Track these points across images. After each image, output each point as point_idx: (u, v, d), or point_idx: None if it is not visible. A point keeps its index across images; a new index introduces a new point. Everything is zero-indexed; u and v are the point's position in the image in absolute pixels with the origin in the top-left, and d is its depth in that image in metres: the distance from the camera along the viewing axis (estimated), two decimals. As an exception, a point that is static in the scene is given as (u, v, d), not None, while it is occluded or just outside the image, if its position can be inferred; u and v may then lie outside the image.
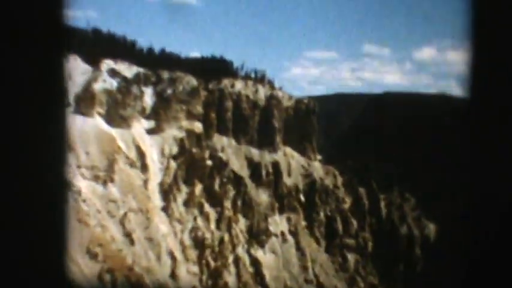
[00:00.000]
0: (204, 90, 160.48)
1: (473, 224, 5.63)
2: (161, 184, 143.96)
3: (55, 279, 5.88)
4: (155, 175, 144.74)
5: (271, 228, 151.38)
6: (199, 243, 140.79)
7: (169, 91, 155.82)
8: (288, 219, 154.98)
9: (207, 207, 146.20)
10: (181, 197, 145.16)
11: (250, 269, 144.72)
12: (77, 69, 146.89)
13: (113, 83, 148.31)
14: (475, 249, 5.58)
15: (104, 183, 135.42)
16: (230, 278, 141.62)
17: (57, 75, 5.69)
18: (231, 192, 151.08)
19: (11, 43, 5.49)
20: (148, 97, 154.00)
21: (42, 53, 5.60)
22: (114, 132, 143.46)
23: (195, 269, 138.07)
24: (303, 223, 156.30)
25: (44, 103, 5.63)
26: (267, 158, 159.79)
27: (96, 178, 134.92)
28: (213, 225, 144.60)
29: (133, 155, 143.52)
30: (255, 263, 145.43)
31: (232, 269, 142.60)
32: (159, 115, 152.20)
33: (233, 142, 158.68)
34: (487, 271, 5.53)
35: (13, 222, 5.57)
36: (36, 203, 5.65)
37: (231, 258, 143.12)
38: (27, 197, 5.59)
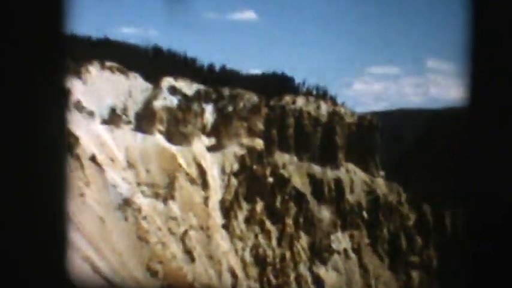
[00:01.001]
0: (265, 107, 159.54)
1: (475, 226, 5.63)
2: (222, 201, 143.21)
3: (55, 280, 5.83)
4: (216, 192, 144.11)
5: (334, 245, 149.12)
6: (260, 261, 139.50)
7: (230, 108, 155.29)
8: (351, 236, 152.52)
9: (268, 225, 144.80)
10: (242, 214, 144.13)
11: (312, 287, 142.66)
12: (137, 87, 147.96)
13: (173, 101, 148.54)
14: (478, 252, 5.57)
15: (165, 200, 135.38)
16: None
17: (56, 78, 5.71)
18: (293, 209, 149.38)
19: (11, 44, 5.49)
20: (209, 114, 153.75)
21: (42, 55, 5.59)
22: (175, 149, 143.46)
23: (256, 286, 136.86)
24: (366, 240, 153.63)
25: (44, 104, 5.64)
26: (329, 174, 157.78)
27: (156, 195, 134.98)
28: (274, 243, 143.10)
29: (194, 172, 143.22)
30: (317, 280, 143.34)
31: (294, 286, 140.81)
32: (219, 132, 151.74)
33: (295, 159, 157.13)
34: (490, 273, 5.50)
35: (12, 223, 5.56)
36: (36, 204, 5.62)
37: (292, 276, 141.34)
38: (27, 198, 5.56)
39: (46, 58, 5.60)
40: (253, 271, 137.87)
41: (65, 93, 5.88)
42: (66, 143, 5.91)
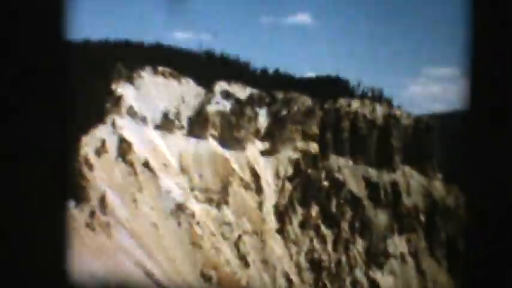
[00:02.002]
0: (319, 110, 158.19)
1: (476, 224, 5.61)
2: (276, 206, 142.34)
3: (55, 280, 5.88)
4: (270, 197, 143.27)
5: (390, 249, 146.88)
6: (315, 265, 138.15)
7: (284, 112, 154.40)
8: (408, 240, 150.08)
9: (323, 229, 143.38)
10: (296, 219, 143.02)
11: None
12: (190, 92, 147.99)
13: (226, 105, 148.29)
14: (479, 251, 5.55)
15: (218, 205, 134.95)
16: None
17: (59, 81, 5.71)
18: (348, 213, 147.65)
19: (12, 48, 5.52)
20: (263, 118, 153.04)
21: (43, 62, 5.61)
22: (228, 154, 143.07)
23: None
24: (424, 244, 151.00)
25: (45, 106, 5.66)
26: (386, 177, 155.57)
27: (210, 201, 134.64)
28: (329, 247, 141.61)
29: (247, 176, 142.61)
30: (374, 285, 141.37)
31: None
32: (273, 136, 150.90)
33: (350, 162, 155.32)
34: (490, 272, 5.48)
35: (12, 223, 5.59)
36: (36, 204, 5.64)
37: (348, 281, 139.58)
38: (27, 197, 5.59)
39: (48, 65, 5.64)
40: (308, 276, 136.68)
41: (68, 97, 5.84)
42: (68, 144, 5.84)
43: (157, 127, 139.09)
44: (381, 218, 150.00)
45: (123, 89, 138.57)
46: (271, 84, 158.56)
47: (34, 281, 5.72)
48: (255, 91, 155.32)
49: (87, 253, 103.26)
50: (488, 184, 5.61)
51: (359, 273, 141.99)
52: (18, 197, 5.60)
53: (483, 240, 5.58)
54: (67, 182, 5.97)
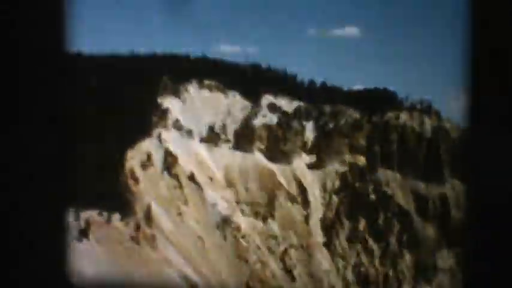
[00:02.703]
0: (367, 123, 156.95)
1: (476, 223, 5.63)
2: (323, 219, 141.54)
3: (55, 281, 5.89)
4: (317, 210, 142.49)
5: (439, 263, 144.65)
6: (362, 280, 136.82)
7: (331, 125, 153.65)
8: (457, 254, 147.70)
9: (371, 243, 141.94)
10: (344, 233, 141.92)
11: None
12: (236, 105, 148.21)
13: (273, 118, 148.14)
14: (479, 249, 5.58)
15: (264, 219, 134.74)
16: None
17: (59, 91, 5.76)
18: (396, 227, 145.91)
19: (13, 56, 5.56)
20: (310, 131, 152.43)
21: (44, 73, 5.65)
22: (275, 167, 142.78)
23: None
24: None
25: (45, 113, 5.71)
26: (434, 191, 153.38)
27: (256, 214, 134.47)
28: (377, 261, 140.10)
29: (294, 190, 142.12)
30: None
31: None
32: (320, 149, 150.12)
33: (398, 175, 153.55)
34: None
35: (13, 224, 5.62)
36: (36, 204, 5.69)
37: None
38: (27, 198, 5.65)
39: (48, 76, 5.70)
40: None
41: (68, 101, 5.89)
42: (68, 149, 5.81)
43: (203, 140, 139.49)
44: (429, 231, 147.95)
45: (169, 102, 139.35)
46: (318, 97, 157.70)
47: (34, 281, 5.74)
48: (302, 104, 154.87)
49: (132, 266, 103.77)
50: (490, 180, 5.51)
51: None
52: (19, 201, 5.61)
53: (484, 236, 5.54)
54: (67, 187, 5.91)
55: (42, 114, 5.71)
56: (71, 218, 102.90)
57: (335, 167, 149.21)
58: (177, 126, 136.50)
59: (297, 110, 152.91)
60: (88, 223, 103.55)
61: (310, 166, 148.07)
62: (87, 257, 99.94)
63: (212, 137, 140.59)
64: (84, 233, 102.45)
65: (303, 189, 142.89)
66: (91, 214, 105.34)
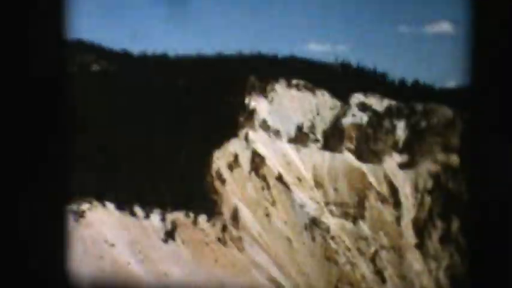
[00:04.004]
0: (461, 121, 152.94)
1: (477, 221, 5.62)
2: (415, 220, 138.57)
3: (55, 281, 5.90)
4: (408, 211, 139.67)
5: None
6: (456, 282, 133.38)
7: (423, 124, 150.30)
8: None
9: (464, 244, 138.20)
10: (436, 234, 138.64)
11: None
12: (325, 104, 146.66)
13: (363, 117, 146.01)
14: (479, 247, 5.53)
15: (354, 220, 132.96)
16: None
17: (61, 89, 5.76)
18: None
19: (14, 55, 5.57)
20: (401, 130, 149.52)
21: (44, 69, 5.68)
22: (365, 167, 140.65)
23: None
24: None
25: (45, 110, 5.70)
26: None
27: (345, 215, 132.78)
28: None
29: (385, 190, 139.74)
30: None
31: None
32: (412, 149, 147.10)
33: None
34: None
35: (13, 224, 5.61)
36: (36, 204, 5.67)
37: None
38: (27, 198, 5.63)
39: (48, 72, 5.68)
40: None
41: (69, 104, 5.85)
42: (70, 147, 5.79)
43: (291, 140, 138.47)
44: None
45: (256, 103, 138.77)
46: (410, 96, 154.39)
47: (34, 281, 5.71)
48: (393, 103, 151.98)
49: (218, 268, 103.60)
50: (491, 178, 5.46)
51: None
52: (19, 201, 5.58)
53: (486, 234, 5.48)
54: (67, 185, 5.90)
55: (42, 114, 5.62)
56: (157, 218, 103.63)
57: (427, 166, 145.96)
58: (265, 126, 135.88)
59: (388, 109, 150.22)
60: (174, 224, 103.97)
61: (402, 166, 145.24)
62: (173, 258, 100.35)
63: (300, 137, 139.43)
64: (170, 235, 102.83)
65: (394, 190, 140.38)
66: (177, 215, 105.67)
